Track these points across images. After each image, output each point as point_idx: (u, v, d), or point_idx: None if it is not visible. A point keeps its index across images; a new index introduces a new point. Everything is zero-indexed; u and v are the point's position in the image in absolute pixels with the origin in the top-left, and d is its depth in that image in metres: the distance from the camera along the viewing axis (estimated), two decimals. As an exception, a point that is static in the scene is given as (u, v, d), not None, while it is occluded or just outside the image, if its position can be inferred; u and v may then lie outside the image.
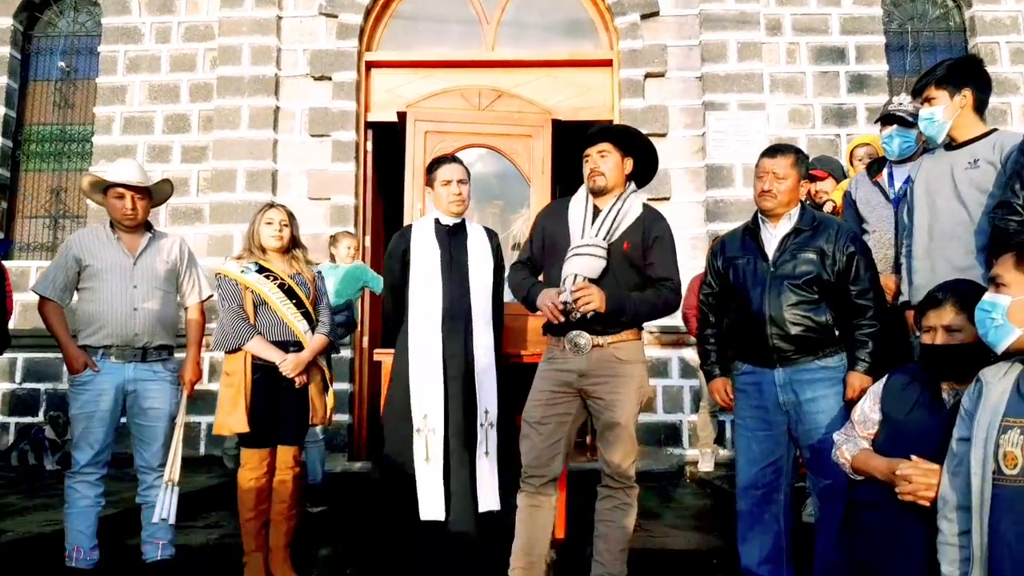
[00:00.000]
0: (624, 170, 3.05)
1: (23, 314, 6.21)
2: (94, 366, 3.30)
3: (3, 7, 6.94)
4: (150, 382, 3.40)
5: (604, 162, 3.00)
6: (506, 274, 3.43)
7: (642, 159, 3.11)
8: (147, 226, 3.54)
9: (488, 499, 3.31)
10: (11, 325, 5.97)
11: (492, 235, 3.64)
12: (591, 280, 2.85)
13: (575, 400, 2.98)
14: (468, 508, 3.28)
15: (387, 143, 6.76)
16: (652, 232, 2.98)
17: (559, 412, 2.97)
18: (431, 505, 3.26)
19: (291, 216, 3.60)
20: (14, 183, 6.99)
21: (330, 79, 6.63)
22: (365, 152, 6.77)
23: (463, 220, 3.56)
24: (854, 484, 2.41)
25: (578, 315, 2.81)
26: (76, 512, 3.27)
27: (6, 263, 5.44)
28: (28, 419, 6.32)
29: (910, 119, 3.43)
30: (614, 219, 2.96)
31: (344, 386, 5.83)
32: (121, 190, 3.39)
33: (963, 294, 2.20)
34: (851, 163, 4.56)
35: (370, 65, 6.83)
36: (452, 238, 3.52)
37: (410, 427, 3.32)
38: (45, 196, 7.00)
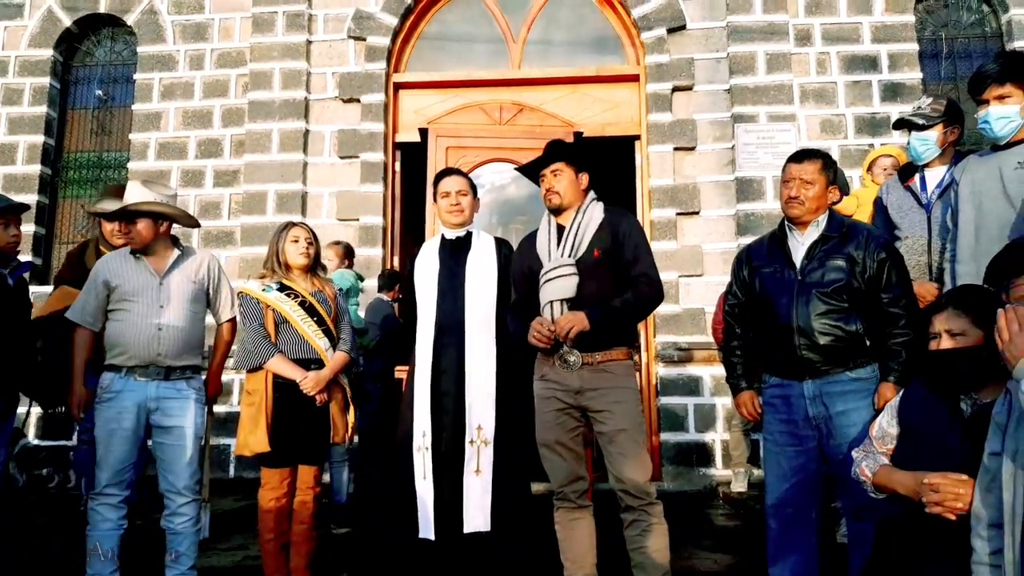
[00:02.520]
0: (580, 185, 3.09)
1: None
2: (83, 412, 3.35)
3: (44, 39, 7.18)
4: (172, 400, 3.33)
5: (558, 181, 3.05)
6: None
7: (598, 170, 3.13)
8: (175, 244, 3.51)
9: (476, 519, 3.16)
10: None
11: (502, 244, 3.52)
12: (569, 299, 2.86)
13: (580, 414, 2.95)
14: (453, 528, 3.17)
15: (415, 163, 6.79)
16: (619, 231, 2.98)
17: (570, 428, 2.96)
18: (425, 524, 3.21)
19: (314, 234, 3.60)
20: (52, 209, 7.17)
21: (358, 101, 6.71)
22: (393, 173, 6.82)
23: (469, 233, 3.51)
24: (885, 502, 2.29)
25: (569, 342, 2.82)
26: (98, 535, 3.21)
27: (45, 288, 5.57)
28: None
29: (921, 122, 3.35)
30: (576, 233, 2.98)
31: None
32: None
33: (965, 295, 2.16)
34: (869, 172, 4.55)
35: (398, 86, 6.90)
36: (454, 251, 3.48)
37: (411, 445, 3.29)
38: (82, 222, 7.16)
